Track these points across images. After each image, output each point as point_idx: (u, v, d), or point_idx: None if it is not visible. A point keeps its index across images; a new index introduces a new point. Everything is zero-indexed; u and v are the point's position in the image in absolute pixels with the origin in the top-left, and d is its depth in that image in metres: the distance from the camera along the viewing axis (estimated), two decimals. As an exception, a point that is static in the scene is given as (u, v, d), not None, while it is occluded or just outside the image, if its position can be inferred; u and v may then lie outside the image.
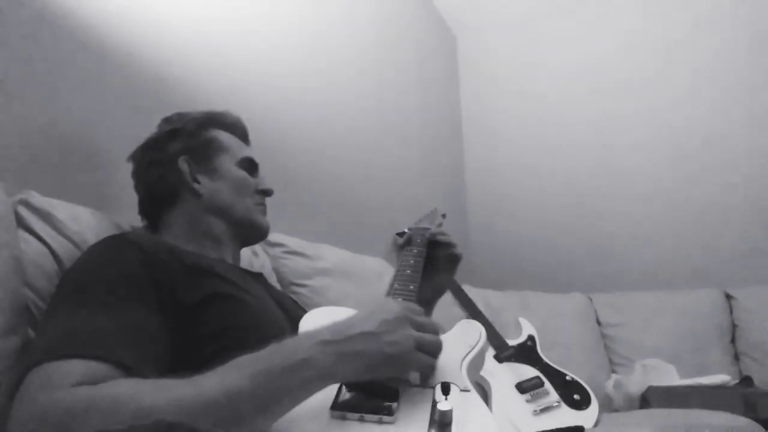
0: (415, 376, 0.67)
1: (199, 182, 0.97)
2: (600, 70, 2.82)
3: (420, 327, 0.68)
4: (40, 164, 0.98)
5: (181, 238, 0.93)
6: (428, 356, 0.67)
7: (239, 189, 0.99)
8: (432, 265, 1.06)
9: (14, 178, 0.89)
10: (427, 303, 1.05)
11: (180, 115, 1.03)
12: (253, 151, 1.07)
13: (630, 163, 2.69)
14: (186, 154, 0.97)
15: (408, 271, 0.96)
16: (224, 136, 1.03)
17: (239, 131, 1.07)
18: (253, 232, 1.03)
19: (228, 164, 1.00)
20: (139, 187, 1.00)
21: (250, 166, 1.04)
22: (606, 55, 2.81)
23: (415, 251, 1.04)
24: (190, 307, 0.74)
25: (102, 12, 1.13)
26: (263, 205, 1.05)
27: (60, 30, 1.04)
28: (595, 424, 1.51)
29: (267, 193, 1.05)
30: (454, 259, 1.09)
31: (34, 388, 0.58)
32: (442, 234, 1.10)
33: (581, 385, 1.65)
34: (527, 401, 1.57)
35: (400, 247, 1.09)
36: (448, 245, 1.09)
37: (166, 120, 1.03)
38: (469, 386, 0.68)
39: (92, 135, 1.09)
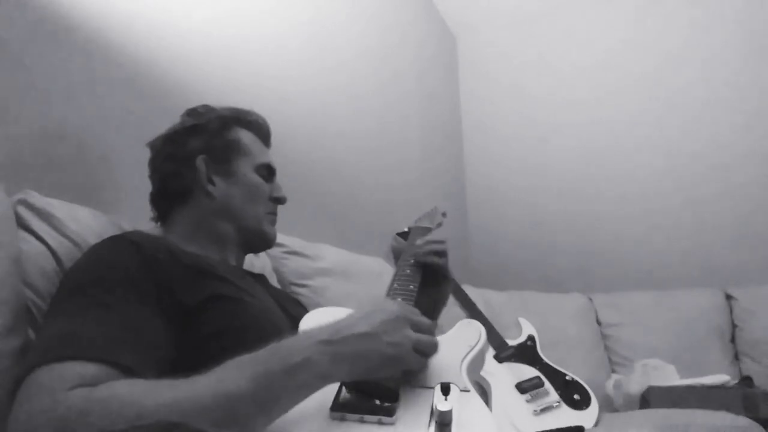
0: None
1: (214, 184, 0.95)
2: (600, 70, 2.82)
3: (417, 327, 0.68)
4: (40, 164, 0.98)
5: (185, 236, 0.93)
6: (422, 357, 0.67)
7: (253, 196, 0.98)
8: (429, 270, 1.01)
9: (14, 178, 0.89)
10: (430, 311, 1.01)
11: (206, 108, 1.01)
12: (272, 156, 1.05)
13: (630, 163, 2.69)
14: (205, 153, 0.95)
15: (407, 271, 0.96)
16: (247, 138, 1.01)
17: (263, 133, 1.05)
18: (260, 241, 1.02)
19: (245, 168, 0.98)
20: (153, 177, 0.98)
21: (267, 172, 1.02)
22: (606, 55, 2.81)
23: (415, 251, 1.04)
24: (191, 308, 0.74)
25: (103, 12, 1.13)
26: (274, 214, 1.04)
27: (60, 30, 1.04)
28: (595, 424, 1.51)
29: (280, 201, 1.04)
30: (442, 274, 1.02)
31: (33, 390, 0.58)
32: (427, 255, 1.01)
33: (581, 385, 1.65)
34: (527, 401, 1.57)
35: (401, 249, 1.07)
36: (434, 265, 1.00)
37: (191, 112, 1.01)
38: (469, 386, 0.68)
39: (92, 135, 1.09)
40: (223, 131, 0.98)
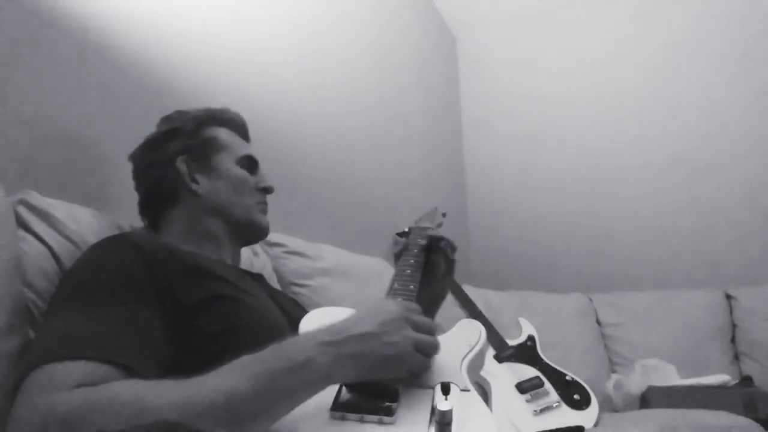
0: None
1: (197, 182, 0.96)
2: (599, 69, 2.82)
3: (418, 327, 0.68)
4: (40, 164, 0.98)
5: (180, 238, 0.93)
6: (424, 357, 0.67)
7: (238, 188, 0.99)
8: (429, 269, 1.03)
9: (14, 178, 0.89)
10: (428, 309, 1.02)
11: (179, 113, 1.02)
12: (253, 148, 1.06)
13: (630, 162, 2.69)
14: (184, 154, 0.97)
15: (408, 271, 0.96)
16: (223, 134, 1.02)
17: (239, 128, 1.06)
18: (253, 232, 1.02)
19: (227, 163, 0.99)
20: (139, 187, 1.00)
21: (249, 163, 1.03)
22: (605, 54, 2.81)
23: (415, 251, 1.04)
24: (190, 307, 0.74)
25: (102, 12, 1.13)
26: (264, 203, 1.04)
27: (60, 31, 1.04)
28: (595, 424, 1.51)
29: (268, 190, 1.04)
30: (449, 265, 1.05)
31: (33, 390, 0.57)
32: (441, 239, 1.06)
33: (581, 385, 1.65)
34: (527, 401, 1.57)
35: (403, 247, 1.08)
36: (444, 251, 1.04)
37: (165, 119, 1.02)
38: (469, 386, 0.68)
39: (92, 135, 1.09)
40: (199, 130, 1.00)
